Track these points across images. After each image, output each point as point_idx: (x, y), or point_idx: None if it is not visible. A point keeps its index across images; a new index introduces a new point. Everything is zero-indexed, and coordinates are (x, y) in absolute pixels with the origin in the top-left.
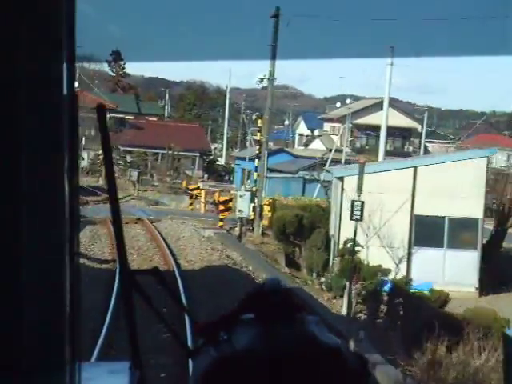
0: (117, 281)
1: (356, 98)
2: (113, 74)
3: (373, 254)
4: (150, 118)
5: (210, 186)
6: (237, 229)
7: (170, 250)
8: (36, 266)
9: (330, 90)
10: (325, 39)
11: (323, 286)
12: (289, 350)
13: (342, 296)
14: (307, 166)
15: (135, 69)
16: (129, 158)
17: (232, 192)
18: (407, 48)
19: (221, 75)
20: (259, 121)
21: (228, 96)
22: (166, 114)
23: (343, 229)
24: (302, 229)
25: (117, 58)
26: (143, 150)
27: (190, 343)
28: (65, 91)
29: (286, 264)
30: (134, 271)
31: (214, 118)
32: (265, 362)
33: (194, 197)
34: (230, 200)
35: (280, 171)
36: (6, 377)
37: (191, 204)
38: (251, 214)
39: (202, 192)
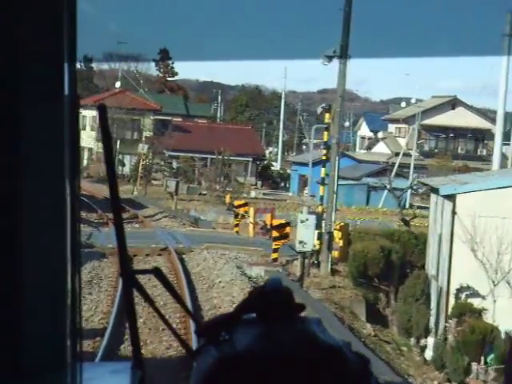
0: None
1: (416, 101)
2: (160, 74)
3: (502, 310)
4: (200, 121)
5: (264, 194)
6: (296, 263)
7: (197, 307)
8: (36, 267)
9: (385, 92)
10: (382, 40)
11: (428, 359)
12: (290, 350)
13: None
14: (372, 171)
15: (189, 73)
16: (174, 164)
17: (288, 201)
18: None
19: (276, 78)
20: (326, 115)
21: (284, 95)
22: (218, 116)
23: (455, 269)
24: (390, 267)
25: (164, 57)
26: (190, 154)
27: (192, 344)
28: (66, 91)
29: (367, 318)
30: (135, 271)
31: (269, 121)
32: (266, 361)
33: (240, 216)
34: (287, 224)
35: (342, 177)
36: (7, 377)
37: (236, 225)
38: (316, 242)
39: (251, 210)
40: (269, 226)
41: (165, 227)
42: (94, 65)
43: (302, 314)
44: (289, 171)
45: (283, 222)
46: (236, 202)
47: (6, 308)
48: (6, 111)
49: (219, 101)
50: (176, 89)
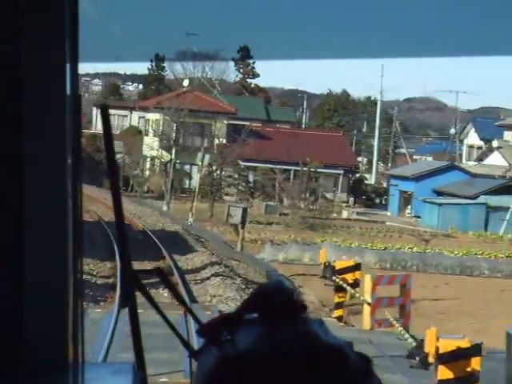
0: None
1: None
2: (239, 75)
3: None
4: (282, 126)
5: (358, 213)
6: None
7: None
8: (38, 267)
9: (472, 102)
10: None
11: None
12: (291, 350)
13: None
14: (490, 188)
15: (275, 81)
16: (251, 177)
17: (388, 223)
18: None
19: (364, 86)
20: None
21: (380, 96)
22: (303, 122)
23: None
24: None
25: (244, 55)
26: (270, 165)
27: (194, 343)
28: (68, 91)
29: None
30: (136, 271)
31: (358, 128)
32: (268, 361)
33: (344, 287)
34: None
35: (453, 195)
36: (10, 376)
37: (339, 306)
38: None
39: (367, 279)
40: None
41: (210, 304)
42: (165, 64)
43: (305, 314)
44: (385, 185)
45: None
46: (336, 264)
47: (8, 308)
48: (8, 111)
49: (305, 106)
50: (257, 91)
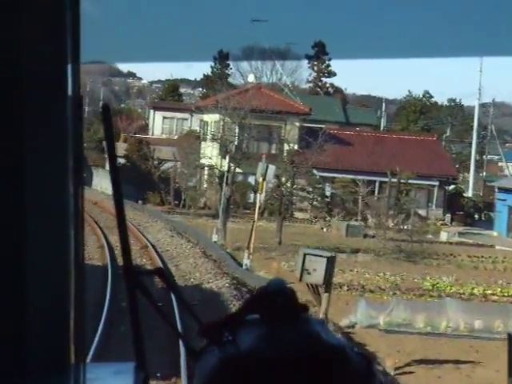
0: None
1: None
2: (313, 73)
3: None
4: (363, 130)
5: (460, 234)
6: None
7: None
8: (39, 268)
9: None
10: None
11: None
12: (293, 351)
13: None
14: None
15: (347, 86)
16: (328, 190)
17: (497, 247)
18: None
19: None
20: None
21: (479, 95)
22: (381, 126)
23: None
24: None
25: (320, 51)
26: (351, 176)
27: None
28: (69, 92)
29: None
30: (138, 271)
31: (442, 132)
32: (269, 362)
33: None
34: None
35: None
36: (11, 377)
37: None
38: None
39: None
40: None
41: None
42: (230, 62)
43: (306, 315)
44: (485, 198)
45: None
46: None
47: (9, 309)
48: (9, 112)
49: (383, 109)
50: (333, 91)
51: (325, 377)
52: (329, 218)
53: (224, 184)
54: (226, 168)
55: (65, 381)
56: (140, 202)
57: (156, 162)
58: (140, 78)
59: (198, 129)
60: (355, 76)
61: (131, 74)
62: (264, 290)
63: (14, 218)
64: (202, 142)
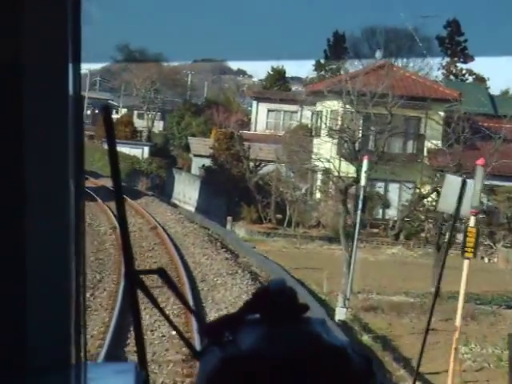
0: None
1: None
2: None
3: None
4: None
5: None
6: None
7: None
8: (41, 267)
9: None
10: None
11: None
12: (294, 351)
13: None
14: None
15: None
16: (485, 203)
17: None
18: None
19: None
20: None
21: None
22: None
23: None
24: None
25: (454, 31)
26: None
27: (197, 344)
28: (70, 91)
29: None
30: (139, 271)
31: None
32: (270, 362)
33: None
34: None
35: None
36: (12, 376)
37: None
38: None
39: None
40: None
41: None
42: (348, 45)
43: (307, 315)
44: None
45: None
46: None
47: (10, 308)
48: (11, 111)
49: None
50: (472, 79)
51: (325, 377)
52: (490, 244)
53: (341, 193)
54: (343, 172)
55: (66, 380)
56: (229, 221)
57: (252, 164)
58: (250, 76)
59: (310, 123)
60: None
61: (241, 72)
62: (265, 290)
63: (14, 218)
64: (315, 139)
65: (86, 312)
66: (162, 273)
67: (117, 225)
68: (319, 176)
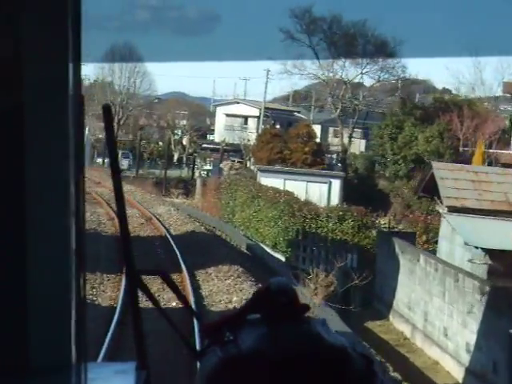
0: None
1: None
2: None
3: None
4: None
5: None
6: None
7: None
8: (41, 267)
9: None
10: None
11: None
12: (294, 351)
13: None
14: None
15: None
16: None
17: None
18: None
19: None
20: None
21: None
22: None
23: None
24: None
25: None
26: None
27: (197, 345)
28: (71, 91)
29: None
30: (139, 271)
31: None
32: (270, 362)
33: None
34: None
35: None
36: (13, 376)
37: None
38: None
39: None
40: None
41: None
42: None
43: (308, 315)
44: None
45: None
46: None
47: (11, 309)
48: (11, 111)
49: None
50: None
51: (326, 376)
52: None
53: None
54: None
55: (66, 380)
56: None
57: None
58: None
59: None
60: None
61: None
62: (266, 290)
63: (14, 218)
64: None
65: (86, 312)
66: (162, 273)
67: None
68: None
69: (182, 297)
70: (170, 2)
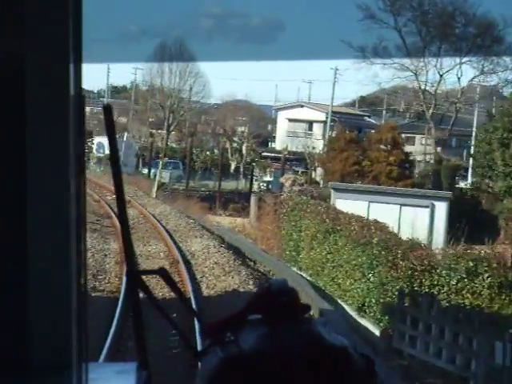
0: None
1: None
2: None
3: None
4: None
5: None
6: None
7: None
8: (41, 267)
9: None
10: None
11: None
12: (295, 351)
13: None
14: None
15: None
16: None
17: None
18: None
19: None
20: None
21: None
22: None
23: None
24: None
25: None
26: None
27: (198, 345)
28: (72, 91)
29: None
30: (140, 271)
31: None
32: (271, 362)
33: None
34: None
35: None
36: (14, 376)
37: None
38: None
39: None
40: None
41: None
42: None
43: (309, 315)
44: None
45: None
46: None
47: (12, 309)
48: (11, 112)
49: None
50: None
51: (326, 377)
52: None
53: None
54: None
55: (67, 380)
56: None
57: None
58: None
59: None
60: None
61: None
62: (266, 290)
63: (15, 218)
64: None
65: (87, 312)
66: (163, 273)
67: None
68: None
69: (182, 296)
70: (234, 10)
